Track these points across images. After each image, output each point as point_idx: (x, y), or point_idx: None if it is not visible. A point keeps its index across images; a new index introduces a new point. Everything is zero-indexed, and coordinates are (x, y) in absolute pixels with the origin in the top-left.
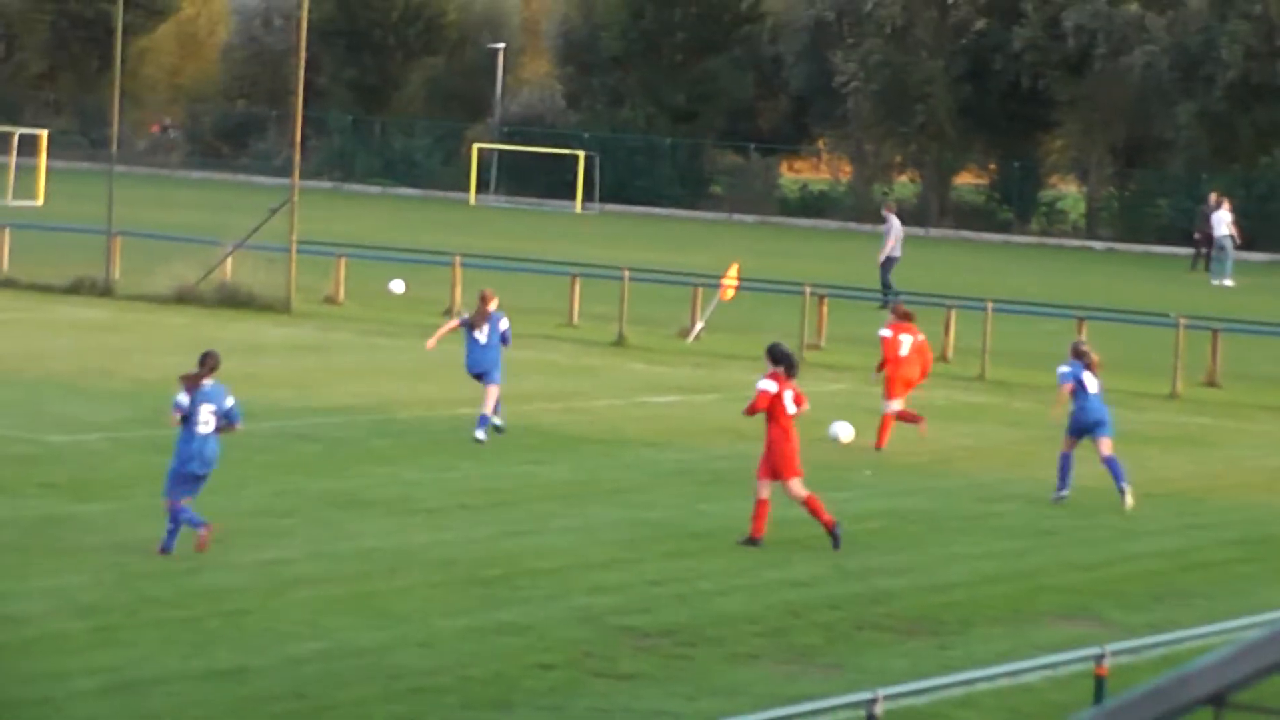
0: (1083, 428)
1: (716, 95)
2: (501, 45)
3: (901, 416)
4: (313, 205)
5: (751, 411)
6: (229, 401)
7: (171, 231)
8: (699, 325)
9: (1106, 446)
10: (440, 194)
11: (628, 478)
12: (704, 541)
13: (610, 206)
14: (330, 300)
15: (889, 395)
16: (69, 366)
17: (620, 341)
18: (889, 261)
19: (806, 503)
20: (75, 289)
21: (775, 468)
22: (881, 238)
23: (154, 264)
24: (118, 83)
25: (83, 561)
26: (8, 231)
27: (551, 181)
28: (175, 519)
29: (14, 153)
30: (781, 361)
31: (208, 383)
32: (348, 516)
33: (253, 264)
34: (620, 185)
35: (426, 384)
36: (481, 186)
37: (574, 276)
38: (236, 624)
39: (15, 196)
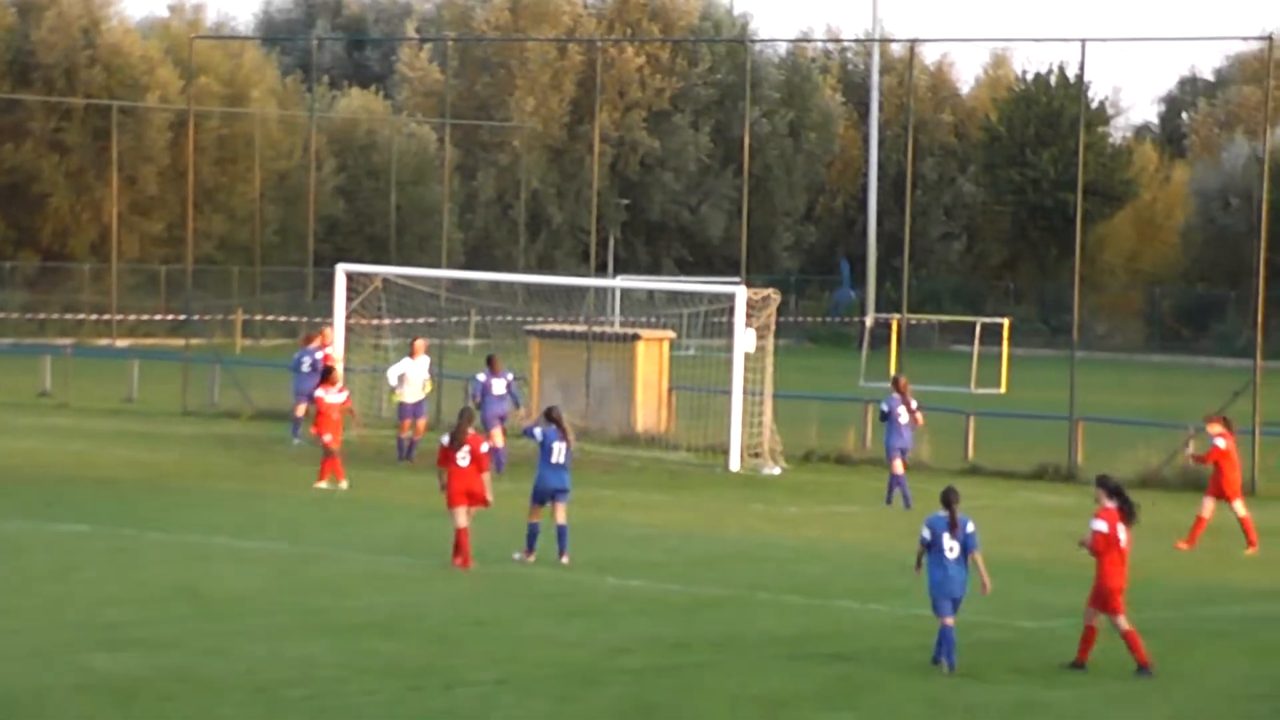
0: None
1: None
2: None
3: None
4: (1277, 386)
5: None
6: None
7: (1131, 415)
8: None
9: None
10: None
11: None
12: None
13: None
14: None
15: None
16: (1034, 553)
17: None
18: None
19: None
20: (1039, 475)
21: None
22: None
23: (1117, 448)
24: (1077, 269)
25: None
26: (972, 419)
27: None
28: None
29: (977, 341)
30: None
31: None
32: None
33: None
34: None
35: None
36: None
37: None
38: None
39: (978, 384)
